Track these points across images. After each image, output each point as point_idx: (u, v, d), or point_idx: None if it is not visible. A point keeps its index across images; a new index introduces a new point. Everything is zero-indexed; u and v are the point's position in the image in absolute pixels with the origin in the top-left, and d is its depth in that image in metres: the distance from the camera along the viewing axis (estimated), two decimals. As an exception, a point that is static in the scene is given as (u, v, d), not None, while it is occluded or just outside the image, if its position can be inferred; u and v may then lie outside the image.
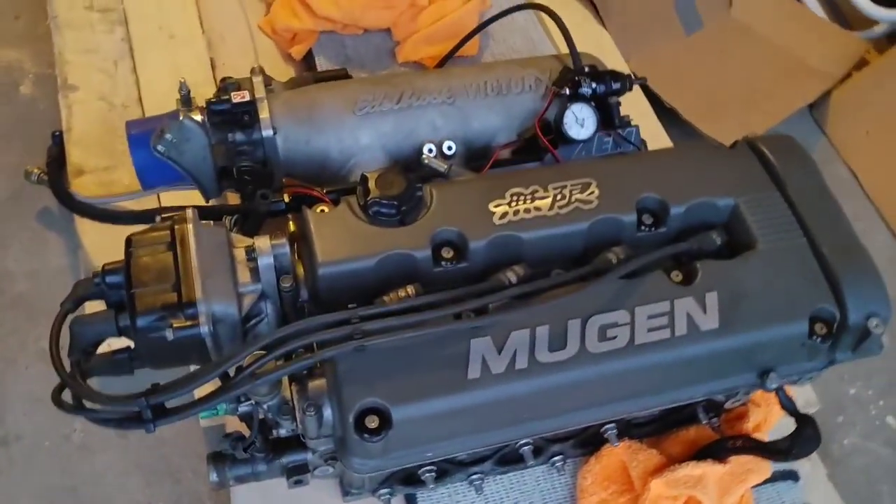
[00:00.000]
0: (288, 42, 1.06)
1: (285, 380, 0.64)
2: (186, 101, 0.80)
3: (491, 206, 0.68)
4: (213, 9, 1.10)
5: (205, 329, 0.60)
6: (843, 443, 0.97)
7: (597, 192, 0.70)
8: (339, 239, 0.65)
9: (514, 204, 0.68)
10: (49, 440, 0.84)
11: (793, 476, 0.85)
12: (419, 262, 0.65)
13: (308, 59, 1.07)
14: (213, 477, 0.70)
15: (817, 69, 1.28)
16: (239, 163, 0.80)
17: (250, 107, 0.80)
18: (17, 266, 0.89)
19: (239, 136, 0.79)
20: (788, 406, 0.72)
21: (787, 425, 0.76)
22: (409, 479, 0.73)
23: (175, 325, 0.60)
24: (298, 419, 0.62)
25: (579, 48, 0.86)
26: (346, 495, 0.75)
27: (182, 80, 0.81)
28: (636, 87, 0.88)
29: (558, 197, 0.69)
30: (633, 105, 0.97)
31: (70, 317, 0.65)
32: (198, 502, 0.79)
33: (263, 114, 0.80)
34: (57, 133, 0.93)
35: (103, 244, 0.85)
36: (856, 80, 1.25)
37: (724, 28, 1.32)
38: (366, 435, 0.59)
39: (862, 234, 0.73)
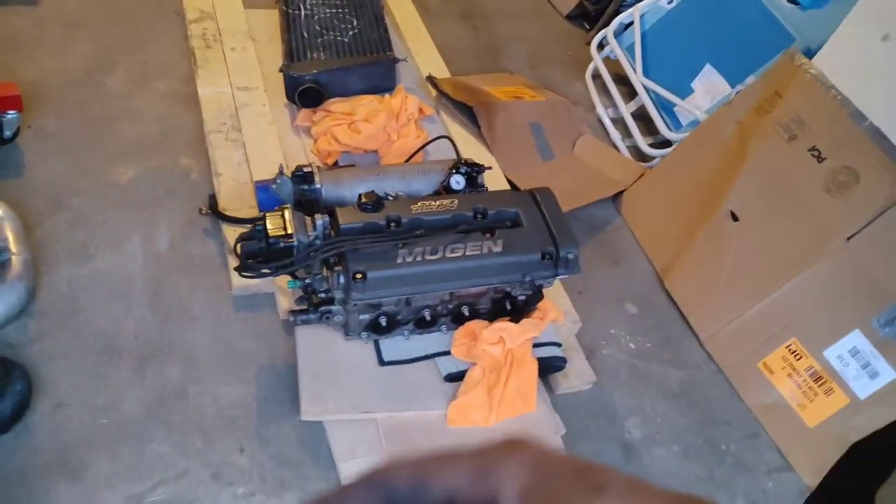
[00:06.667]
0: (325, 156, 2.01)
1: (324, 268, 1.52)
2: (281, 171, 1.73)
3: (412, 206, 1.58)
4: (287, 141, 2.06)
5: (295, 243, 1.50)
6: (602, 353, 1.82)
7: (456, 203, 1.61)
8: (348, 216, 1.55)
9: (422, 205, 1.59)
10: (212, 316, 1.69)
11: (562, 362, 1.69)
12: (380, 226, 1.55)
13: (335, 164, 2.02)
14: (290, 319, 1.56)
15: (617, 180, 2.22)
16: (304, 198, 1.72)
17: (311, 173, 1.73)
18: (197, 249, 1.79)
19: (305, 187, 1.72)
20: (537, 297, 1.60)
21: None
22: (375, 327, 1.58)
23: (283, 241, 1.49)
24: (330, 282, 1.49)
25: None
26: (347, 335, 1.60)
27: (280, 164, 1.74)
28: (502, 175, 1.81)
29: (440, 204, 1.60)
30: (503, 184, 1.91)
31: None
32: (275, 349, 1.64)
33: (317, 177, 1.73)
34: (212, 194, 1.86)
35: (233, 235, 1.75)
36: (636, 185, 2.19)
37: (567, 159, 2.27)
38: (356, 282, 1.46)
39: (633, 262, 1.64)
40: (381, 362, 1.57)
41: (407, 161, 1.93)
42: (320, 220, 1.51)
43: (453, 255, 1.50)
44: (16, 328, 1.52)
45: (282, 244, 1.48)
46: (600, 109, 2.44)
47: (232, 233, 1.75)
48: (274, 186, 1.65)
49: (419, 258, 1.48)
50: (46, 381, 1.46)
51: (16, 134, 1.86)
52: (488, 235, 1.54)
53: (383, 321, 1.55)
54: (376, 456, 1.44)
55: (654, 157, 2.26)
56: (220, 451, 1.43)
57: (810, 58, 1.91)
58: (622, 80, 2.48)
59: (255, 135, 2.00)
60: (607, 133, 2.38)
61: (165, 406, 1.48)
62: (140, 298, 1.64)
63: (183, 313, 1.63)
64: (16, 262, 1.54)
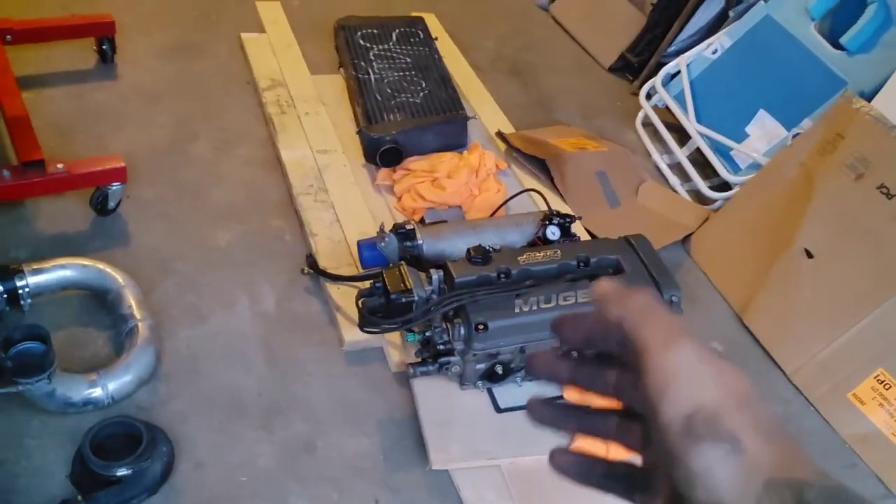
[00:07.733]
0: (410, 213, 2.09)
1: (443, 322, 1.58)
2: (382, 230, 1.80)
3: (519, 258, 1.65)
4: (370, 199, 2.14)
5: (414, 298, 1.56)
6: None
7: (559, 253, 1.68)
8: (461, 270, 1.62)
9: (528, 257, 1.66)
10: (325, 371, 1.75)
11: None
12: (492, 279, 1.61)
13: (421, 220, 2.09)
14: (410, 371, 1.62)
15: (684, 224, 2.30)
16: (407, 254, 1.78)
17: (413, 230, 1.80)
18: (302, 307, 1.86)
19: (408, 244, 1.79)
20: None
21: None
22: (490, 376, 1.63)
23: (404, 296, 1.56)
24: (450, 333, 1.55)
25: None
26: (462, 385, 1.65)
27: (381, 224, 1.81)
28: (579, 223, 1.89)
29: (545, 255, 1.67)
30: (582, 232, 1.99)
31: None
32: (390, 400, 1.69)
33: (419, 234, 1.80)
34: (309, 254, 1.93)
35: (337, 293, 1.82)
36: (704, 228, 2.27)
37: (633, 206, 2.35)
38: (478, 332, 1.52)
39: (709, 302, 1.71)
40: (498, 409, 1.62)
41: (492, 214, 2.01)
42: (435, 274, 1.58)
43: (566, 302, 1.56)
44: (147, 391, 1.57)
45: (403, 299, 1.54)
46: (656, 156, 2.53)
47: (336, 291, 1.81)
48: (382, 244, 1.72)
49: (535, 307, 1.55)
50: (183, 441, 1.51)
51: (118, 204, 1.93)
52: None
53: (499, 369, 1.60)
54: (507, 501, 1.48)
55: (715, 200, 2.34)
56: (356, 502, 1.47)
57: (867, 101, 2.01)
58: (672, 128, 2.58)
59: (341, 195, 2.08)
60: (665, 179, 2.47)
61: (296, 460, 1.52)
62: (255, 356, 1.70)
63: (299, 369, 1.69)
64: (142, 328, 1.60)
